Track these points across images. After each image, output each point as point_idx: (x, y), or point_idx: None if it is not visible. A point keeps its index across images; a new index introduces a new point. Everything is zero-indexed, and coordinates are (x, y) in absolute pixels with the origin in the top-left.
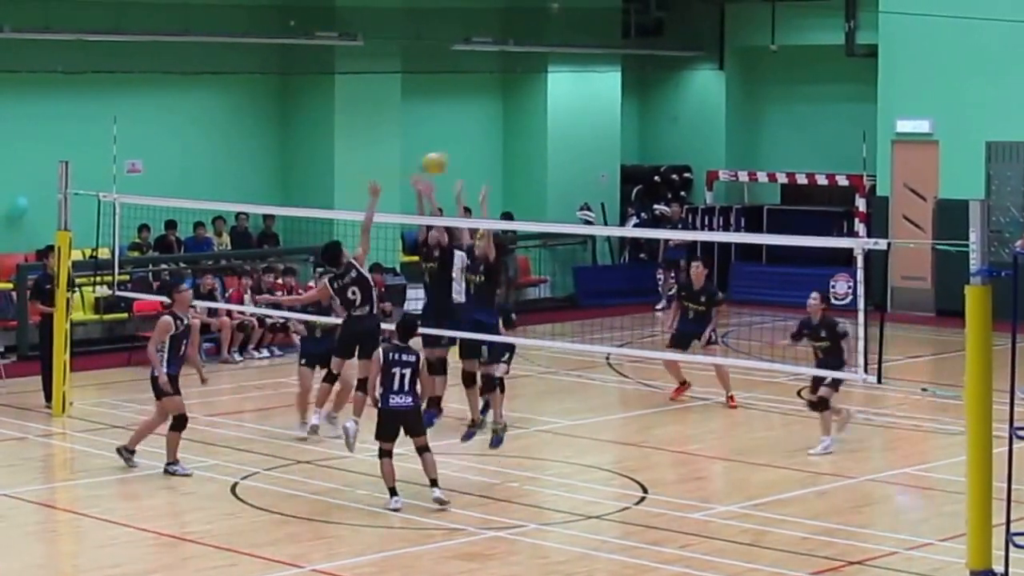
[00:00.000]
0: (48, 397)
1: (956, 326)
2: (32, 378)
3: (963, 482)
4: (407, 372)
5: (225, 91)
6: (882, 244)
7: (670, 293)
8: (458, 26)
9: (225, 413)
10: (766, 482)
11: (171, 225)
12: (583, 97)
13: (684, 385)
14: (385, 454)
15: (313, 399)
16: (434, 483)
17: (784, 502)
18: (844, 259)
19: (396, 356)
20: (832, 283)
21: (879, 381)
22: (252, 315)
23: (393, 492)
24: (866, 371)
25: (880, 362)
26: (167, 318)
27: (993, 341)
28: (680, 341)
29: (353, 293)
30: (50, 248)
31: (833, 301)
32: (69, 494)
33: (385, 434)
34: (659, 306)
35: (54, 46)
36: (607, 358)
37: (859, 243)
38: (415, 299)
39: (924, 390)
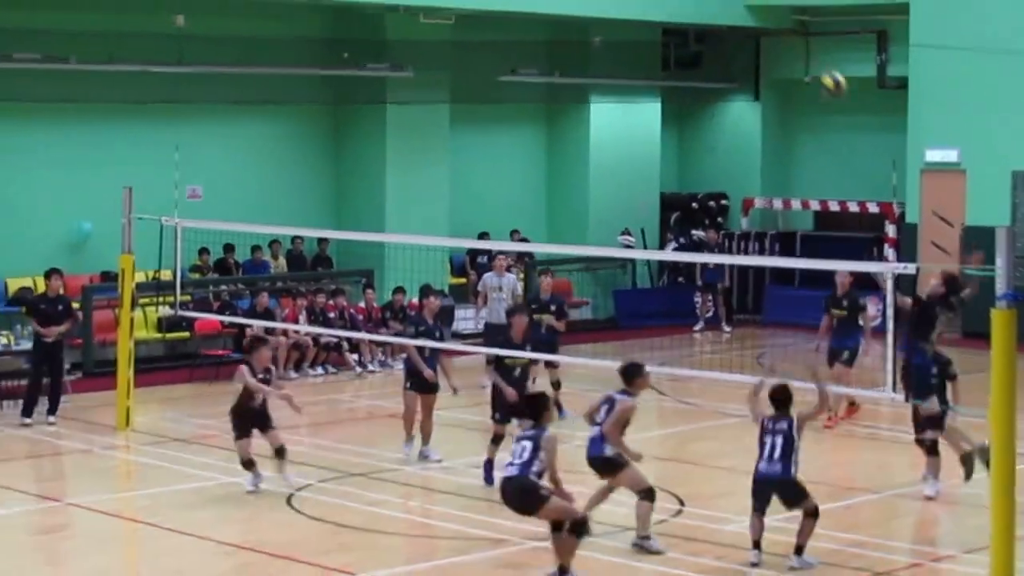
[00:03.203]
0: (26, 411)
1: (982, 348)
2: (97, 393)
3: (987, 497)
4: (779, 440)
5: (281, 120)
6: (911, 269)
7: (708, 315)
8: (505, 58)
9: (281, 428)
10: None
11: (229, 248)
12: (624, 127)
13: None
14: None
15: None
16: (799, 550)
17: None
18: (874, 283)
19: (771, 424)
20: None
21: (907, 400)
22: (307, 334)
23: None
24: (894, 390)
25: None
26: None
27: (1017, 363)
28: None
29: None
30: (54, 271)
31: (862, 324)
32: (133, 504)
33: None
34: (696, 327)
35: (119, 77)
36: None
37: (888, 268)
38: (464, 319)
39: (951, 409)
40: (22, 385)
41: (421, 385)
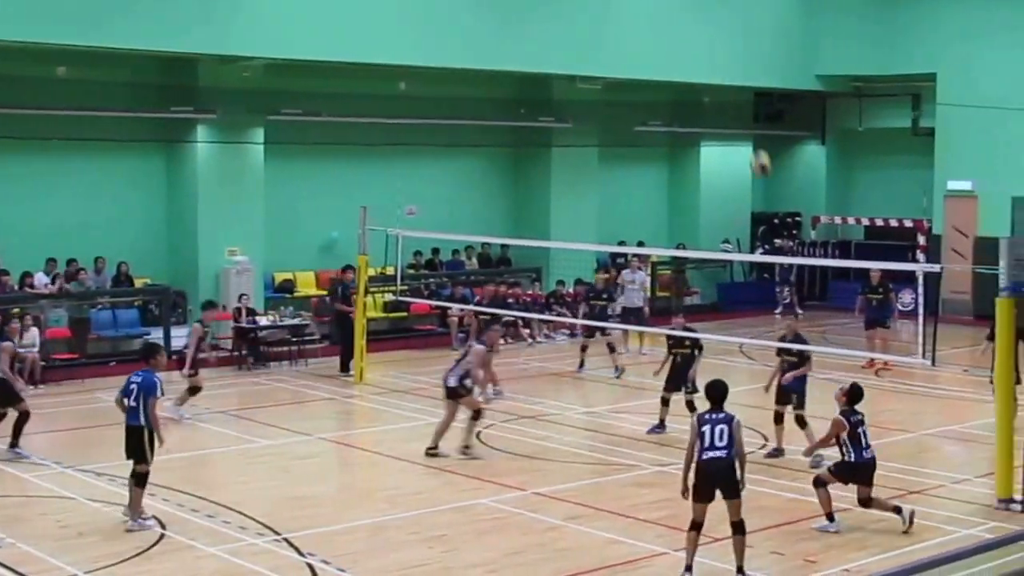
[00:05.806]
0: (343, 368)
1: (988, 326)
2: (339, 357)
3: (993, 435)
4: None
5: (474, 158)
6: (936, 268)
7: (786, 302)
8: (638, 114)
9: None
10: None
11: (436, 251)
12: (725, 163)
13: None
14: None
15: None
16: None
17: None
18: (909, 278)
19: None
20: (900, 295)
21: (933, 364)
22: (490, 314)
23: None
24: (924, 357)
25: (934, 350)
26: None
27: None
28: None
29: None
30: (349, 267)
31: (900, 308)
32: (365, 437)
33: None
34: (777, 311)
35: (361, 127)
36: (740, 347)
37: (920, 267)
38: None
39: (965, 371)
40: (283, 351)
41: None
